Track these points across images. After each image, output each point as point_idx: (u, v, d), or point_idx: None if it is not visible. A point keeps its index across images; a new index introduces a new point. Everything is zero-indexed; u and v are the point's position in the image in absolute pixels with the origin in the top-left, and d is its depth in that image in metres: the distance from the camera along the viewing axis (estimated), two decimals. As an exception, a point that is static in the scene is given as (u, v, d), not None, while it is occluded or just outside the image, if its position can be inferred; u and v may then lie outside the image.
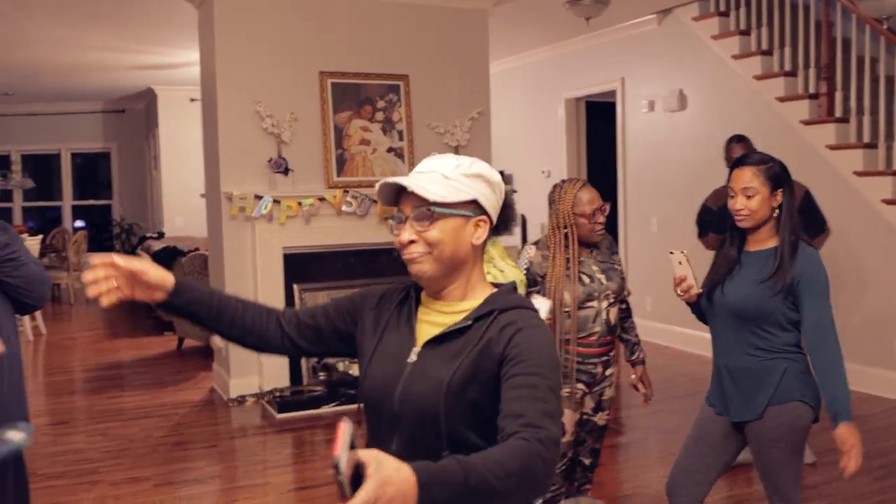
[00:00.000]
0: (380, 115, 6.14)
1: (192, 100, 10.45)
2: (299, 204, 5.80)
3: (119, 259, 1.60)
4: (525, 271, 3.22)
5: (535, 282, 3.19)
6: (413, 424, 1.55)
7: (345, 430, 1.20)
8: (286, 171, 5.78)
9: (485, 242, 1.67)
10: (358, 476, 1.19)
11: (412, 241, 1.59)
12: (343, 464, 1.16)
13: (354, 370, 6.15)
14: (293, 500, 4.17)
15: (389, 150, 6.15)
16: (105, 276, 1.59)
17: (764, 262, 2.62)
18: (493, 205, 1.65)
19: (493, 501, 1.29)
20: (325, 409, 5.67)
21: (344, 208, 5.90)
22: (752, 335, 2.63)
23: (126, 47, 8.19)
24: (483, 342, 1.54)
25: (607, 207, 3.23)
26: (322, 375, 6.07)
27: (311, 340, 1.76)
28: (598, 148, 9.00)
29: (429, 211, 1.57)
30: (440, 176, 1.59)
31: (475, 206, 1.62)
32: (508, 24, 7.52)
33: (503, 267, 3.04)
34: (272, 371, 5.89)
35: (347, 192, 5.90)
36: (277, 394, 5.81)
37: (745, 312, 2.62)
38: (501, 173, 7.76)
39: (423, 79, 6.32)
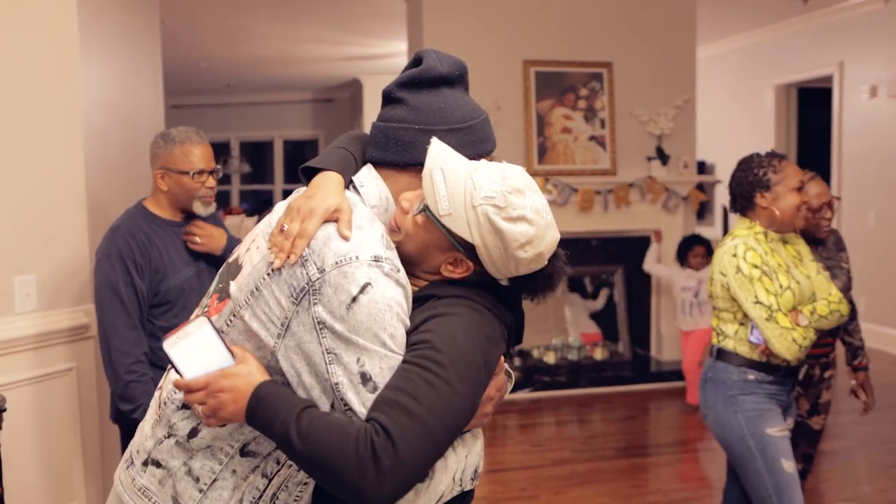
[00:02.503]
0: (582, 104, 6.10)
1: (395, 89, 10.82)
2: (500, 191, 5.84)
3: None
4: None
5: None
6: None
7: (196, 324, 1.31)
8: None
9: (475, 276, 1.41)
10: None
11: (403, 211, 1.41)
12: (169, 344, 1.30)
13: (550, 357, 6.20)
14: (486, 482, 4.26)
15: (591, 138, 6.11)
16: None
17: None
18: (496, 266, 1.37)
19: (295, 459, 1.25)
20: (520, 395, 5.74)
21: (544, 196, 5.89)
22: None
23: (336, 39, 8.59)
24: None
25: (836, 202, 3.06)
26: (517, 361, 6.15)
27: None
28: (809, 137, 8.49)
29: (423, 204, 1.37)
30: (470, 195, 1.33)
31: (471, 246, 1.35)
32: (717, 6, 7.24)
33: (810, 271, 2.76)
34: (469, 354, 5.99)
35: (548, 180, 5.92)
36: (474, 377, 5.91)
37: None
38: (702, 165, 7.44)
39: (627, 66, 6.21)
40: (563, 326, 6.64)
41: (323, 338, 1.27)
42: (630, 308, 6.52)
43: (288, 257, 1.30)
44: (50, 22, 2.95)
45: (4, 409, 2.57)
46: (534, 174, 5.94)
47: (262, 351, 1.34)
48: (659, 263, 6.02)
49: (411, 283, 1.39)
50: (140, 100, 4.13)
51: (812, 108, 8.47)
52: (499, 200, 1.32)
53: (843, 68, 7.54)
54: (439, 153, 1.36)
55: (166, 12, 6.37)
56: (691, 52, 6.41)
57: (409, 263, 1.40)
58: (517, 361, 6.15)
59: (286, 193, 13.61)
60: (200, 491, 1.40)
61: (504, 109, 5.97)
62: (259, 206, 13.56)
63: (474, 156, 1.44)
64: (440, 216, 1.34)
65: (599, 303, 6.63)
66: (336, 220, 1.33)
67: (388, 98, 1.48)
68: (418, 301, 1.37)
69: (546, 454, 4.72)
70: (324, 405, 1.29)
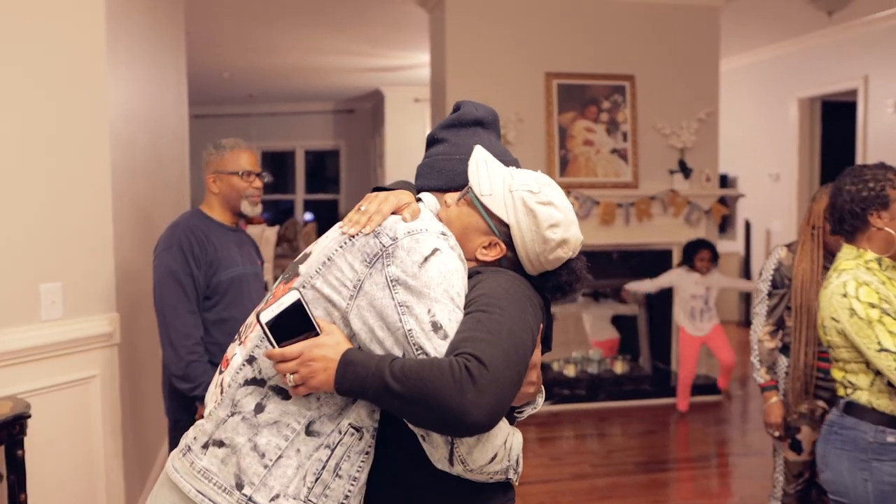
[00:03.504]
0: (604, 116, 6.10)
1: (417, 100, 10.86)
2: (522, 203, 5.85)
3: None
4: (773, 272, 3.10)
5: (781, 283, 3.07)
6: None
7: (288, 296, 1.40)
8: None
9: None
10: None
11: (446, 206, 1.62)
12: (264, 317, 1.39)
13: (569, 370, 6.17)
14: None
15: (613, 151, 6.10)
16: None
17: None
18: (527, 249, 1.53)
19: (394, 404, 1.33)
20: (539, 408, 5.71)
21: (565, 209, 5.90)
22: None
23: (358, 50, 8.64)
24: None
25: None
26: (537, 374, 6.11)
27: None
28: (832, 151, 8.43)
29: (466, 190, 1.58)
30: (509, 182, 1.54)
31: (505, 229, 1.53)
32: (740, 19, 7.22)
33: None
34: (489, 366, 5.98)
35: (570, 192, 5.90)
36: (493, 389, 5.89)
37: None
38: (724, 179, 7.38)
39: (650, 79, 6.20)
40: (583, 339, 6.62)
41: (395, 293, 1.40)
42: (651, 322, 6.49)
43: (363, 228, 1.46)
44: (78, 32, 2.98)
45: (29, 416, 2.60)
46: (555, 186, 5.94)
47: (330, 317, 1.44)
48: (645, 281, 6.02)
49: None
50: (166, 109, 4.16)
51: (836, 121, 8.41)
52: (533, 187, 1.52)
53: (868, 82, 7.49)
54: (483, 151, 1.58)
55: (191, 23, 6.44)
56: (714, 64, 6.39)
57: None
58: (537, 374, 6.11)
59: (307, 204, 13.72)
60: (265, 467, 1.42)
61: (526, 121, 5.97)
62: (279, 216, 13.63)
63: None
64: (481, 196, 1.53)
65: (630, 308, 6.58)
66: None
67: (432, 139, 1.71)
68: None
69: (565, 468, 4.70)
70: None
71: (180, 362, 2.75)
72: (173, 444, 2.93)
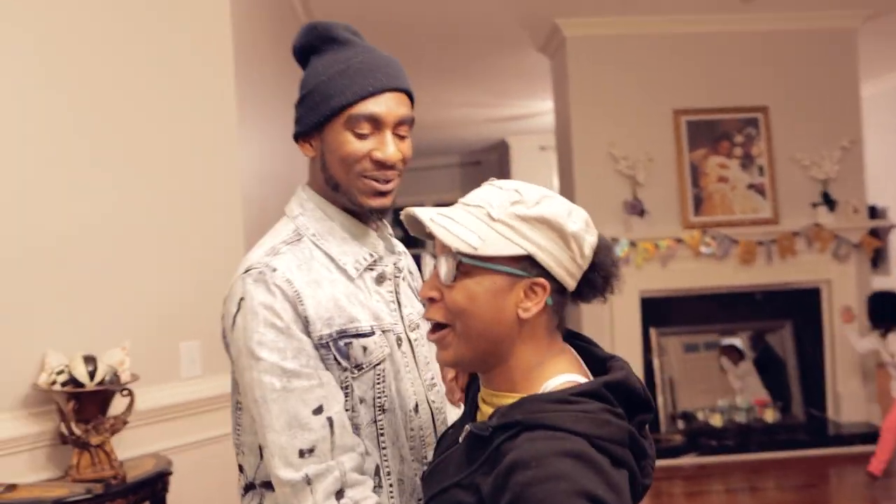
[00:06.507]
0: (738, 151, 5.89)
1: (542, 148, 10.85)
2: (656, 246, 5.72)
3: None
4: None
5: None
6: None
7: None
8: (642, 213, 5.75)
9: (554, 313, 1.18)
10: None
11: (432, 300, 1.19)
12: None
13: (715, 419, 5.90)
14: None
15: (749, 186, 5.88)
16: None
17: None
18: (562, 264, 1.15)
19: None
20: (685, 460, 5.47)
21: (702, 249, 5.72)
22: None
23: (483, 102, 8.74)
24: (484, 467, 1.09)
25: None
26: (680, 424, 5.89)
27: None
28: None
29: (454, 260, 1.15)
30: (485, 214, 1.15)
31: (529, 262, 1.14)
32: (880, 39, 6.85)
33: None
34: (628, 416, 5.82)
35: (706, 232, 5.72)
36: (634, 440, 5.71)
37: None
38: (873, 210, 6.93)
39: (784, 109, 5.96)
40: (728, 386, 6.32)
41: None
42: (801, 366, 6.13)
43: None
44: (210, 97, 3.12)
45: (171, 473, 2.67)
46: (690, 227, 5.78)
47: None
48: (863, 338, 5.46)
49: (490, 394, 1.22)
50: (295, 168, 4.30)
51: None
52: (513, 197, 1.16)
53: None
54: (425, 209, 1.20)
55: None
56: (854, 88, 6.08)
57: (485, 352, 1.18)
58: (680, 424, 5.89)
59: (436, 257, 13.87)
60: None
61: (656, 161, 5.85)
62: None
63: (326, 114, 1.39)
64: (475, 251, 1.13)
65: (745, 366, 6.22)
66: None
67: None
68: (501, 430, 1.09)
69: (716, 524, 4.45)
70: None
71: None
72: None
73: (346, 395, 1.35)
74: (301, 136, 1.45)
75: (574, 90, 5.91)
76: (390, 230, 1.57)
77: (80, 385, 2.44)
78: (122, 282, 2.83)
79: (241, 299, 1.31)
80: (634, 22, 5.87)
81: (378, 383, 1.38)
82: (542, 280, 1.14)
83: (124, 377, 2.58)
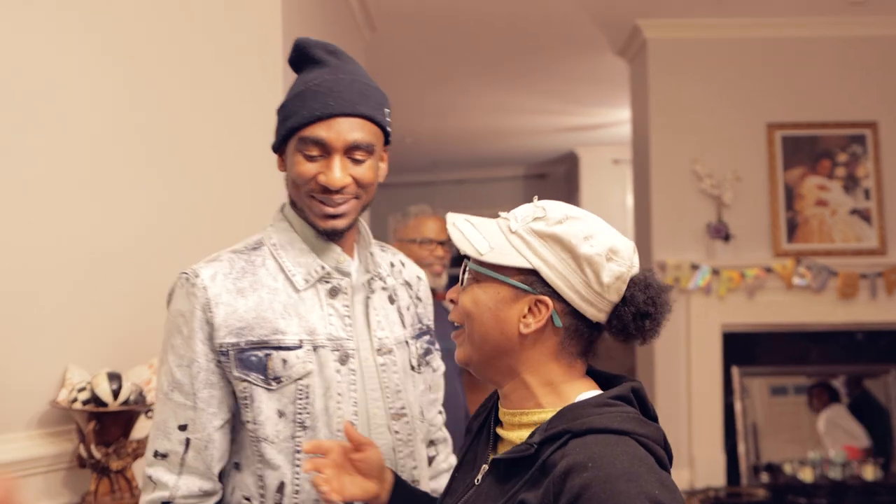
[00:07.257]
0: (840, 171, 5.80)
1: (616, 161, 10.77)
2: (742, 275, 5.64)
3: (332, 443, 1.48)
4: None
5: None
6: None
7: None
8: (727, 238, 5.68)
9: (569, 337, 1.27)
10: None
11: (453, 302, 1.35)
12: None
13: (806, 474, 5.77)
14: None
15: (853, 211, 5.77)
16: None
17: None
18: (573, 286, 1.24)
19: None
20: (770, 519, 5.37)
21: (795, 281, 5.62)
22: None
23: (551, 109, 8.72)
24: (529, 483, 1.17)
25: None
26: (764, 477, 5.80)
27: None
28: None
29: (466, 264, 1.32)
30: (506, 226, 1.29)
31: (535, 278, 1.25)
32: None
33: None
34: (706, 467, 5.74)
35: (800, 261, 5.63)
36: (712, 493, 5.64)
37: None
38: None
39: (896, 125, 5.85)
40: (818, 437, 6.18)
41: None
42: (907, 417, 5.98)
43: None
44: (259, 113, 3.16)
45: (196, 506, 2.68)
46: (782, 255, 5.69)
47: None
48: None
49: (510, 414, 1.31)
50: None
51: None
52: (536, 213, 1.28)
53: None
54: (454, 214, 1.38)
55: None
56: (979, 103, 5.94)
57: (490, 360, 1.30)
58: (764, 477, 5.78)
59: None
60: None
61: (745, 181, 5.77)
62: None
63: (294, 126, 1.59)
64: (482, 256, 1.27)
65: (836, 410, 6.06)
66: None
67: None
68: (548, 441, 1.18)
69: None
70: None
71: None
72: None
73: (245, 405, 1.53)
74: (274, 150, 1.67)
75: (654, 98, 5.87)
76: (374, 249, 1.73)
77: (103, 404, 2.45)
78: (152, 296, 2.85)
79: (168, 301, 1.60)
80: (724, 24, 5.82)
81: (300, 398, 1.54)
82: (545, 298, 1.24)
83: (150, 397, 2.59)
